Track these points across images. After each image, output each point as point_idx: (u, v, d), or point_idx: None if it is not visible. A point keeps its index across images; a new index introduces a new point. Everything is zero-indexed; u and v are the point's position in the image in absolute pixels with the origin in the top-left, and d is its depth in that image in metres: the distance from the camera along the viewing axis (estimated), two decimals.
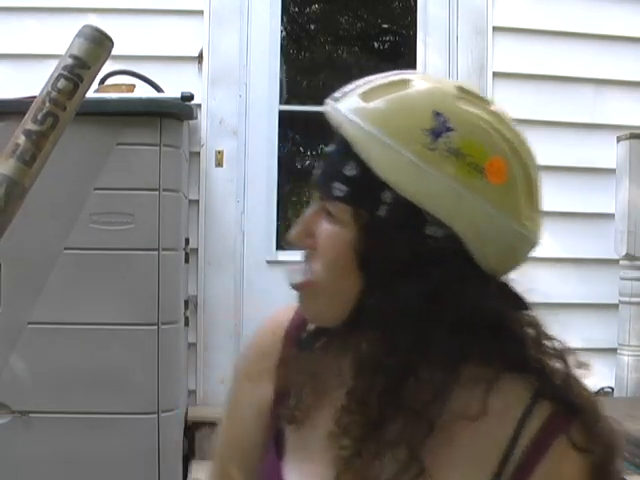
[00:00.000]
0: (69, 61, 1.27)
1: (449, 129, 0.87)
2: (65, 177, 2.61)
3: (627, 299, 3.01)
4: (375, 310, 0.89)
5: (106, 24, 3.54)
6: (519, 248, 0.95)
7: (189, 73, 3.26)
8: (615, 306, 3.08)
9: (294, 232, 0.95)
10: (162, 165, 2.63)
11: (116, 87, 2.89)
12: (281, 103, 3.45)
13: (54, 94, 1.25)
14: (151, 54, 3.20)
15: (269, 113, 3.39)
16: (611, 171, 3.18)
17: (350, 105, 0.90)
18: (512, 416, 0.87)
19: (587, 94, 3.42)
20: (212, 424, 3.10)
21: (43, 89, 1.27)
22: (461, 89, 0.91)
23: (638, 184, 2.99)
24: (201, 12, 3.28)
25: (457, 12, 3.39)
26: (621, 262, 3.06)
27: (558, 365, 0.90)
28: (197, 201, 3.24)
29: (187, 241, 3.06)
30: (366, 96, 0.90)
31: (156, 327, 2.62)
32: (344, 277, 0.91)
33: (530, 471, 0.86)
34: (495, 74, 3.37)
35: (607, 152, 3.26)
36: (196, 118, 3.10)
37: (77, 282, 2.60)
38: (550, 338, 0.92)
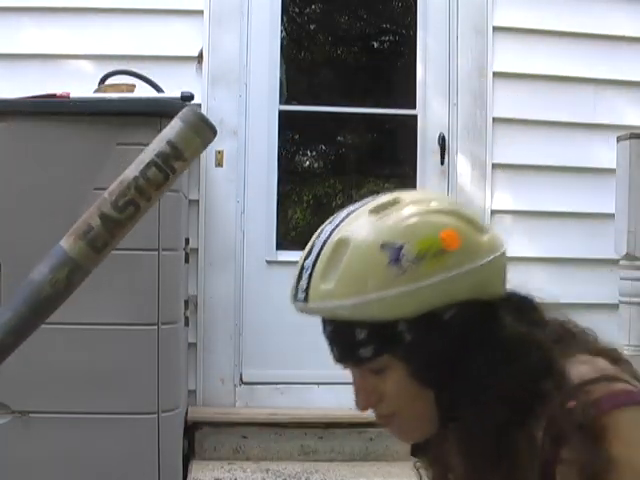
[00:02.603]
0: (166, 149, 1.14)
1: (400, 247, 1.01)
2: (65, 177, 2.61)
3: (627, 299, 3.01)
4: (453, 401, 1.05)
5: (106, 24, 3.56)
6: (501, 267, 1.09)
7: (189, 73, 3.26)
8: (615, 306, 3.08)
9: (359, 402, 1.10)
10: None
11: (116, 87, 2.89)
12: (281, 103, 3.44)
13: (142, 182, 1.14)
14: (151, 54, 3.20)
15: (269, 113, 3.39)
16: (611, 171, 3.18)
17: (320, 296, 1.03)
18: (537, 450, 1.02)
19: (587, 94, 3.42)
20: (212, 424, 3.11)
21: (130, 171, 1.15)
22: (374, 208, 1.05)
23: (638, 184, 2.98)
24: (201, 12, 3.27)
25: (457, 12, 3.39)
26: (621, 262, 3.06)
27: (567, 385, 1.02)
28: (197, 201, 3.24)
29: (187, 241, 3.05)
30: (323, 279, 1.03)
31: (156, 327, 2.62)
32: (418, 400, 1.06)
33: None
34: (495, 74, 3.37)
35: (607, 152, 3.25)
36: None
37: None
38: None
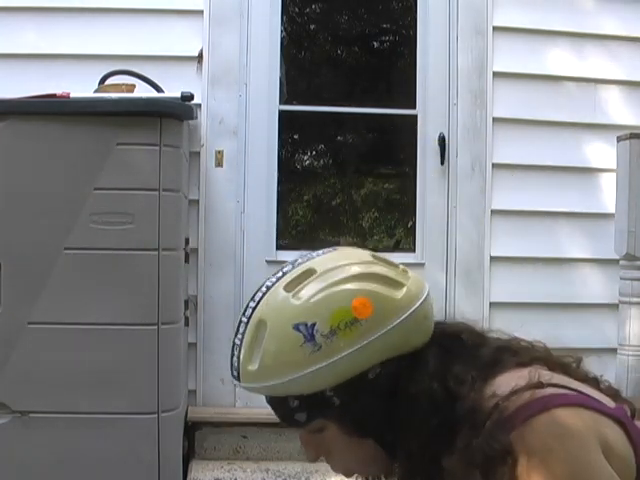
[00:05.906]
0: None
1: (312, 325, 1.07)
2: (65, 177, 2.61)
3: (627, 299, 3.01)
4: (394, 441, 1.12)
5: (106, 24, 3.56)
6: (422, 317, 1.14)
7: (189, 73, 3.26)
8: (615, 306, 3.08)
9: (308, 456, 1.23)
10: (162, 165, 2.63)
11: (116, 87, 2.89)
12: (281, 103, 3.44)
13: None
14: (151, 54, 3.20)
15: (269, 113, 3.39)
16: (611, 171, 3.18)
17: (248, 378, 1.12)
18: None
19: (587, 94, 3.42)
20: (212, 424, 3.10)
21: None
22: (288, 284, 1.11)
23: (638, 184, 2.98)
24: (201, 12, 3.27)
25: (457, 12, 3.39)
26: (621, 262, 3.06)
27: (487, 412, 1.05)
28: (197, 201, 3.24)
29: (187, 241, 3.05)
30: (249, 361, 1.11)
31: (156, 327, 2.62)
32: (361, 449, 1.16)
33: None
34: (495, 74, 3.37)
35: (607, 152, 3.26)
36: (196, 118, 3.10)
37: (77, 282, 2.60)
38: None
